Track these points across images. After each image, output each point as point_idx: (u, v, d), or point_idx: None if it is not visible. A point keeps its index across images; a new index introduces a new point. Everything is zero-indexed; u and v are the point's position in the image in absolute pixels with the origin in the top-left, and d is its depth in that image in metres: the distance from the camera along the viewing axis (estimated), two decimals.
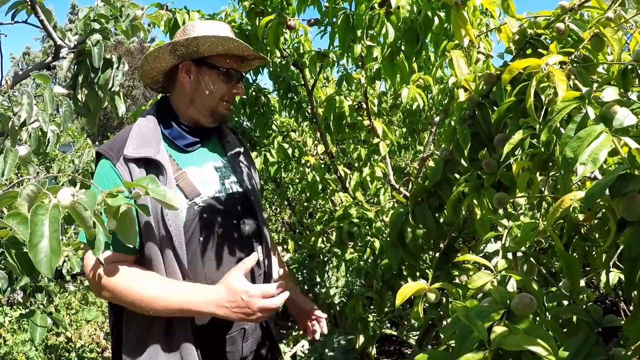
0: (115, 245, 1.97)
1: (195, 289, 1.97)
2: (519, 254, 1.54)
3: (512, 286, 1.45)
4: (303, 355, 4.04)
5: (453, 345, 1.19)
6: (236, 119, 4.19)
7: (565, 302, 1.51)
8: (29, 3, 2.49)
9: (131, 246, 1.94)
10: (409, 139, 5.21)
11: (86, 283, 7.38)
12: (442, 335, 1.36)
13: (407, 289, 1.57)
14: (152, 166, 2.05)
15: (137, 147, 2.06)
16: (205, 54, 2.20)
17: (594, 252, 1.79)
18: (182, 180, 2.12)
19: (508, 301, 1.21)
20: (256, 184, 2.46)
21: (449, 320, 1.96)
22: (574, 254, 1.75)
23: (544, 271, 1.61)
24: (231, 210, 2.23)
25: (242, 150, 2.44)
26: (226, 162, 2.34)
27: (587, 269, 2.72)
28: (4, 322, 5.82)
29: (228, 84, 2.22)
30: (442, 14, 2.09)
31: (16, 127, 2.32)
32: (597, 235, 1.63)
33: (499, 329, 1.11)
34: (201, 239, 2.10)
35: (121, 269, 1.96)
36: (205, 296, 1.93)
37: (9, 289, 2.75)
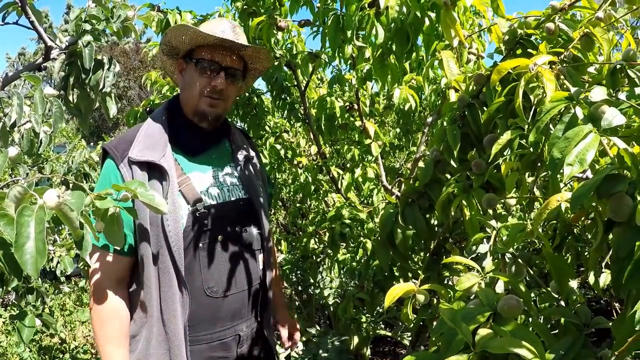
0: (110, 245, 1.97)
1: None
2: (508, 255, 1.54)
3: (500, 288, 1.45)
4: (297, 356, 4.03)
5: None
6: (229, 119, 4.18)
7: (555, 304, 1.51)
8: (20, 4, 2.47)
9: (119, 248, 1.95)
10: (403, 139, 5.21)
11: (80, 284, 7.38)
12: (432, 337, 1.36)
13: (396, 290, 1.57)
14: (155, 170, 2.04)
15: (142, 150, 2.05)
16: (184, 49, 2.20)
17: (586, 253, 1.79)
18: (185, 186, 2.10)
19: (495, 303, 1.20)
20: (263, 191, 2.42)
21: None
22: (567, 255, 1.75)
23: (537, 272, 1.60)
24: (233, 217, 2.21)
25: (252, 155, 2.42)
26: (233, 168, 2.32)
27: (582, 269, 2.71)
28: None
29: (203, 76, 2.14)
30: (433, 15, 2.08)
31: (7, 128, 2.31)
32: (589, 236, 1.63)
33: (483, 332, 1.11)
34: (200, 245, 2.09)
35: (108, 292, 2.01)
36: None
37: (1, 290, 2.75)
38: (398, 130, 5.12)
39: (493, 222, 1.58)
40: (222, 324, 2.14)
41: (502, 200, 1.76)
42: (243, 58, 2.27)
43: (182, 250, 2.01)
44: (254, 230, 2.24)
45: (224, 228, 2.16)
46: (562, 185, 1.52)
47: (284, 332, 2.56)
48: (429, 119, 3.62)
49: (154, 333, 2.02)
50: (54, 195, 1.28)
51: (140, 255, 2.02)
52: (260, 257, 2.30)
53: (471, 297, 1.45)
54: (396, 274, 2.42)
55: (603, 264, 1.60)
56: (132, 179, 1.98)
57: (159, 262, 2.01)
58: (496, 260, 1.54)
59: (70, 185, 3.49)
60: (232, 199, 2.23)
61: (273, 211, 6.85)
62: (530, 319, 1.40)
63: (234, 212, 2.22)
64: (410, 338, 4.80)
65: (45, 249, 1.23)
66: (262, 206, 2.32)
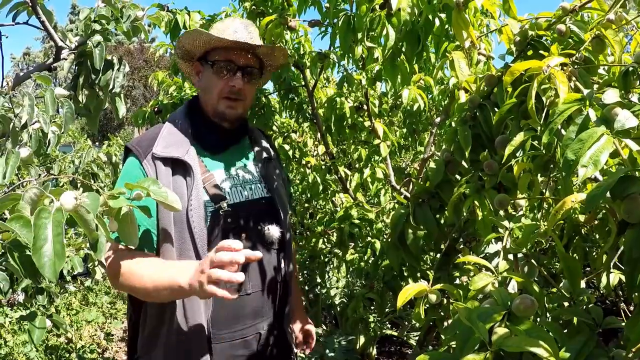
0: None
1: (181, 263, 1.93)
2: (520, 255, 1.55)
3: (512, 287, 1.46)
4: (304, 355, 4.04)
5: (454, 346, 1.19)
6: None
7: (566, 304, 1.51)
8: (30, 4, 2.48)
9: (133, 247, 1.95)
10: (410, 139, 5.21)
11: (87, 284, 7.39)
12: (442, 336, 1.37)
13: (409, 291, 1.57)
14: (180, 167, 2.07)
15: (166, 146, 2.08)
16: (199, 52, 2.23)
17: (594, 253, 1.79)
18: (209, 183, 2.12)
19: (509, 303, 1.21)
20: (285, 190, 2.44)
21: (449, 320, 1.96)
22: (575, 255, 1.75)
23: (545, 272, 1.61)
24: (256, 216, 2.22)
25: (273, 155, 2.44)
26: (255, 167, 2.34)
27: (588, 269, 2.72)
28: (5, 323, 5.83)
29: (221, 78, 2.16)
30: (443, 16, 2.08)
31: (17, 129, 2.32)
32: (597, 236, 1.64)
33: (500, 331, 1.12)
34: None
35: (127, 255, 1.95)
36: (184, 267, 1.85)
37: (10, 290, 2.76)
38: (404, 130, 5.11)
39: (505, 223, 1.59)
40: (244, 322, 2.14)
41: (512, 201, 1.77)
42: (258, 55, 2.29)
43: (206, 248, 2.02)
44: (275, 229, 2.24)
45: (246, 226, 2.17)
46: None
47: (299, 334, 2.57)
48: (437, 119, 3.62)
49: (175, 330, 2.02)
50: (72, 198, 1.29)
51: (162, 252, 2.02)
52: (282, 255, 2.31)
53: (479, 297, 1.46)
54: (405, 274, 2.42)
55: (611, 264, 1.61)
56: (156, 175, 2.01)
57: (182, 259, 2.01)
58: (508, 260, 1.55)
59: (78, 184, 3.51)
60: (255, 197, 2.25)
61: None
62: (539, 318, 1.41)
63: (257, 211, 2.23)
64: (416, 337, 4.81)
65: (64, 252, 1.23)
66: (284, 205, 2.34)
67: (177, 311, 2.01)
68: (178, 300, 2.00)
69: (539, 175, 1.62)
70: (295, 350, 2.44)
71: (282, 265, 2.31)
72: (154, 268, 1.91)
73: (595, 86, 1.61)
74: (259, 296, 2.19)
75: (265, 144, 2.44)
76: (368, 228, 3.25)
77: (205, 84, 2.21)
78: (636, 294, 1.16)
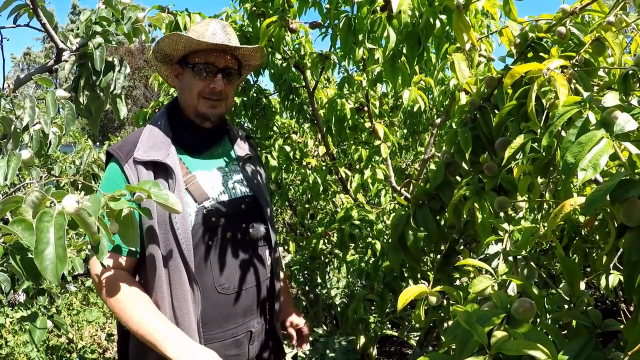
0: (115, 247, 1.97)
1: (171, 328, 1.92)
2: (519, 257, 1.55)
3: (512, 290, 1.46)
4: (304, 356, 4.04)
5: (454, 348, 1.20)
6: (237, 120, 4.19)
7: (566, 305, 1.51)
8: (31, 6, 2.49)
9: (132, 249, 1.96)
10: (410, 140, 5.21)
11: (87, 284, 7.40)
12: (442, 337, 1.37)
13: (409, 293, 1.58)
14: (161, 169, 2.07)
15: (147, 150, 2.08)
16: (178, 55, 2.24)
17: (594, 254, 1.80)
18: (192, 184, 2.13)
19: (508, 305, 1.22)
20: (265, 188, 2.45)
21: (450, 322, 1.97)
22: (575, 256, 1.76)
23: (544, 273, 1.61)
24: (240, 214, 2.23)
25: (252, 154, 2.45)
26: (236, 166, 2.35)
27: (588, 269, 2.72)
28: (6, 323, 5.83)
29: (201, 79, 2.17)
30: (444, 17, 2.09)
31: (18, 130, 2.33)
32: (597, 237, 1.64)
33: (499, 334, 1.12)
34: (209, 242, 2.11)
35: (121, 280, 1.97)
36: (176, 336, 1.87)
37: (11, 290, 2.76)
38: (405, 130, 5.12)
39: (505, 225, 1.59)
40: (235, 321, 2.16)
41: (512, 203, 1.77)
42: (237, 56, 2.30)
43: (191, 248, 2.03)
44: (260, 227, 2.27)
45: (231, 225, 2.19)
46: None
47: (292, 330, 2.57)
48: (438, 120, 3.62)
49: None
50: (73, 201, 1.29)
51: (149, 255, 2.03)
52: (268, 252, 2.33)
53: (479, 299, 1.46)
54: (406, 275, 2.42)
55: (611, 265, 1.61)
56: (137, 179, 2.01)
57: (169, 261, 2.02)
58: (507, 262, 1.55)
59: (79, 186, 3.51)
60: (238, 196, 2.26)
61: (279, 211, 6.86)
62: (538, 320, 1.41)
63: (241, 209, 2.25)
64: (417, 338, 4.81)
65: (65, 255, 1.23)
66: (267, 202, 2.36)
67: (167, 313, 2.01)
68: (167, 302, 2.01)
69: (538, 177, 1.62)
70: (286, 350, 2.44)
71: (269, 262, 2.33)
72: (149, 314, 1.92)
73: (595, 88, 1.61)
74: (249, 294, 2.21)
75: (244, 142, 2.46)
76: (368, 229, 3.25)
77: (186, 85, 2.22)
78: (635, 296, 1.16)
